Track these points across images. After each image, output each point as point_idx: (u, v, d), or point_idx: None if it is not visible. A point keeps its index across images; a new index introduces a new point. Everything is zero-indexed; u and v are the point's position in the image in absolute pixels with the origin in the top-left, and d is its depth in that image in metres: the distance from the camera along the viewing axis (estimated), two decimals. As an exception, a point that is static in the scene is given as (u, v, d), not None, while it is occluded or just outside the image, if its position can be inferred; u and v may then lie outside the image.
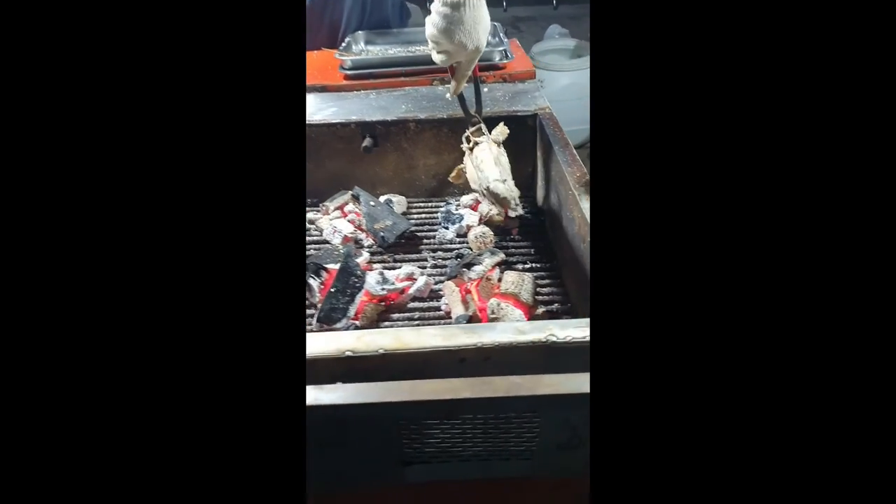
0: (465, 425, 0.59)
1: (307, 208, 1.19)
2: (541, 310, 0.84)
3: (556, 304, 0.89)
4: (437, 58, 0.86)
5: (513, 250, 1.04)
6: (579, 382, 0.53)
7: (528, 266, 0.99)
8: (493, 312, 0.80)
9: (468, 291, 0.86)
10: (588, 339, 0.58)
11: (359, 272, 0.88)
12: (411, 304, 0.92)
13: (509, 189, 0.91)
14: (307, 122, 1.15)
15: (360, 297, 0.87)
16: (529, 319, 0.83)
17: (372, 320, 0.87)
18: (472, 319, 0.81)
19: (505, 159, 0.98)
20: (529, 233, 1.09)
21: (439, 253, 1.05)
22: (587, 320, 0.60)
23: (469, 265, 0.88)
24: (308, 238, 1.10)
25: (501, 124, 1.02)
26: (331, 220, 1.11)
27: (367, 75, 1.33)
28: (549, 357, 0.59)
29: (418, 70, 1.32)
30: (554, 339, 0.58)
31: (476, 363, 0.59)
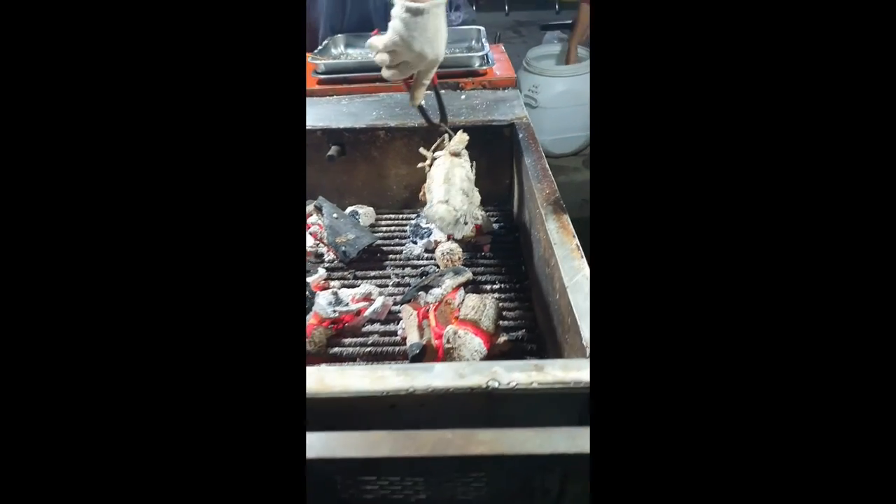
0: (398, 477, 0.52)
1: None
2: (503, 338, 0.78)
3: (523, 332, 0.82)
4: (387, 73, 0.78)
5: (482, 268, 0.97)
6: (519, 439, 0.46)
7: (496, 287, 0.92)
8: (448, 341, 0.74)
9: (425, 316, 0.79)
10: (534, 384, 0.51)
11: (307, 292, 0.82)
12: (368, 328, 0.85)
13: (450, 210, 0.83)
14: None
15: (308, 321, 0.81)
16: (490, 348, 0.77)
17: (321, 346, 0.80)
18: (426, 348, 0.75)
19: (461, 172, 0.91)
20: (502, 249, 1.02)
21: (407, 269, 0.98)
22: (535, 362, 0.53)
23: (427, 287, 0.81)
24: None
25: (460, 132, 0.95)
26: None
27: (340, 80, 1.27)
28: (492, 404, 0.53)
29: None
30: (496, 384, 0.51)
31: (410, 410, 0.53)
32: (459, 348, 0.74)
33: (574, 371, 0.52)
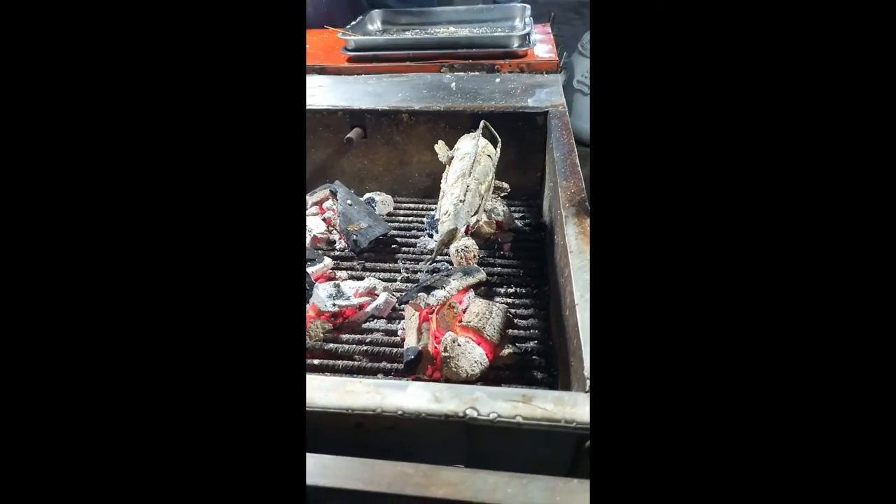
0: None
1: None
2: (507, 350, 0.71)
3: (534, 343, 0.74)
4: None
5: (499, 269, 0.89)
6: (489, 485, 0.39)
7: (511, 291, 0.84)
8: (446, 349, 0.67)
9: (427, 319, 0.73)
10: (518, 418, 0.44)
11: (305, 283, 0.77)
12: (369, 325, 0.80)
13: (454, 215, 0.76)
14: (292, 107, 1.05)
15: (306, 312, 0.76)
16: (492, 360, 0.70)
17: (317, 340, 0.76)
18: (422, 354, 0.69)
19: (479, 168, 0.83)
20: (525, 249, 0.94)
21: (421, 265, 0.92)
22: (524, 391, 0.46)
23: (429, 288, 0.74)
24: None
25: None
26: (308, 215, 1.00)
27: (370, 58, 1.21)
28: (472, 435, 0.46)
29: (426, 55, 1.19)
30: (474, 414, 0.45)
31: (377, 432, 0.47)
32: (458, 357, 0.67)
33: (569, 406, 0.45)
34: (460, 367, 0.67)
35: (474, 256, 0.90)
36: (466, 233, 0.94)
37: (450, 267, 0.90)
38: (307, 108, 1.04)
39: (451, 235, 0.77)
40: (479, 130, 0.96)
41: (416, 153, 1.07)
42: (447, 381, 0.68)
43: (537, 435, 0.45)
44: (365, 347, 0.75)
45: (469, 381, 0.68)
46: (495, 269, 0.89)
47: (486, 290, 0.85)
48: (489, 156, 0.88)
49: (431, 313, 0.74)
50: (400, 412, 0.46)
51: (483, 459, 0.46)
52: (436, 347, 0.69)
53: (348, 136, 1.00)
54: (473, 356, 0.68)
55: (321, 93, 1.11)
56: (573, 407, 0.45)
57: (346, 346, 0.75)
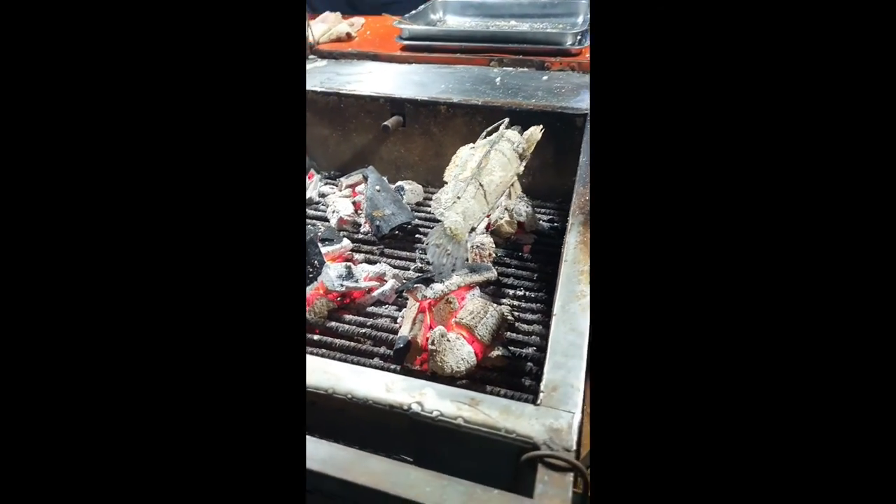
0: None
1: (326, 181, 1.14)
2: (497, 352, 0.70)
3: (530, 349, 0.73)
4: None
5: (513, 270, 0.88)
6: (409, 480, 0.40)
7: (519, 294, 0.83)
8: (433, 343, 0.68)
9: (424, 310, 0.74)
10: (459, 420, 0.44)
11: (316, 261, 0.81)
12: (373, 309, 0.82)
13: (456, 223, 0.74)
14: (338, 92, 1.09)
15: (313, 288, 0.79)
16: (481, 360, 0.69)
17: (321, 316, 0.79)
18: (411, 345, 0.70)
19: (498, 165, 0.82)
20: (545, 253, 0.92)
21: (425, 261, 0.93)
22: (473, 395, 0.46)
23: (429, 281, 0.75)
24: (316, 213, 1.05)
25: (535, 127, 0.86)
26: (339, 197, 1.04)
27: (423, 47, 1.22)
28: (419, 432, 0.47)
29: (476, 48, 1.18)
30: (418, 409, 0.45)
31: (329, 412, 0.49)
32: (444, 352, 0.67)
33: (513, 417, 0.44)
34: (445, 361, 0.67)
35: (489, 255, 0.89)
36: (487, 229, 0.93)
37: (465, 261, 0.90)
38: (351, 93, 1.08)
39: (452, 235, 0.76)
40: (502, 128, 0.94)
41: (451, 145, 1.07)
42: (433, 374, 0.69)
43: (478, 440, 0.44)
44: (365, 330, 0.77)
45: (454, 377, 0.68)
46: (509, 269, 0.88)
47: (494, 290, 0.84)
48: (513, 152, 0.86)
49: (434, 306, 0.75)
50: (350, 396, 0.47)
51: (431, 458, 0.47)
52: (426, 339, 0.70)
53: (385, 123, 1.02)
54: (461, 353, 0.68)
55: (369, 79, 1.14)
56: (518, 418, 0.44)
57: (348, 327, 0.78)
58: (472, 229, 0.76)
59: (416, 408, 0.45)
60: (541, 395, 0.46)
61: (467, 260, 0.89)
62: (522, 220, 0.93)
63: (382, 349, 0.74)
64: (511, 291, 0.84)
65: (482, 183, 0.78)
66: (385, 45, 1.26)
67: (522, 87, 1.06)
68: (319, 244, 0.86)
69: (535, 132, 0.89)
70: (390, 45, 1.26)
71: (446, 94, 1.04)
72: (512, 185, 0.90)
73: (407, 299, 0.82)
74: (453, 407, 0.45)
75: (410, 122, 1.07)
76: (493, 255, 0.89)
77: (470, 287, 0.79)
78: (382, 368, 0.71)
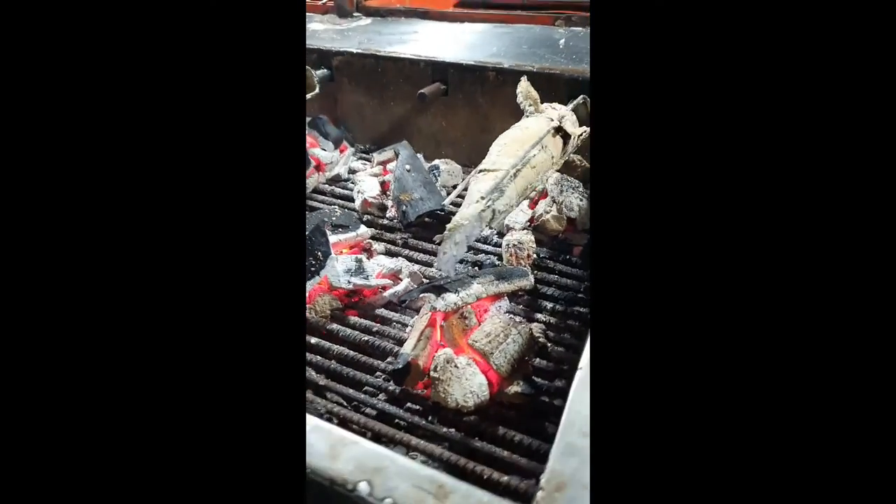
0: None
1: (361, 156, 1.03)
2: (515, 388, 0.56)
3: (559, 382, 0.58)
4: None
5: (556, 277, 0.73)
6: None
7: (556, 308, 0.68)
8: (436, 370, 0.55)
9: (433, 325, 0.61)
10: None
11: (320, 252, 0.70)
12: (383, 311, 0.70)
13: (462, 217, 0.57)
14: (376, 54, 0.95)
15: (315, 283, 0.69)
16: (495, 394, 0.56)
17: (322, 316, 0.69)
18: (410, 366, 0.57)
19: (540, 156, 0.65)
20: (599, 258, 0.75)
21: (468, 254, 0.79)
22: (443, 480, 0.33)
23: (440, 289, 0.61)
24: (342, 191, 0.94)
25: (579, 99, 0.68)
26: (368, 175, 0.93)
27: (480, 3, 1.05)
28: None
29: (541, 3, 0.99)
30: (364, 491, 0.33)
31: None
32: (449, 382, 0.55)
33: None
34: (449, 393, 0.55)
35: (528, 256, 0.74)
36: (530, 223, 0.78)
37: (497, 263, 0.75)
38: (389, 55, 0.94)
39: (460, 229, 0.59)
40: (572, 105, 0.77)
41: (499, 120, 0.91)
42: (435, 404, 0.57)
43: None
44: (368, 338, 0.66)
45: (460, 411, 0.55)
46: (551, 276, 0.73)
47: (529, 301, 0.69)
48: (562, 138, 0.69)
49: (446, 320, 0.62)
50: (284, 458, 0.36)
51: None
52: (431, 361, 0.58)
53: (422, 91, 0.88)
54: (470, 384, 0.55)
55: (413, 39, 1.00)
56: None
57: (350, 332, 0.67)
58: (490, 222, 0.60)
59: (363, 489, 0.33)
60: (538, 495, 0.32)
61: (492, 264, 0.75)
62: (574, 215, 0.77)
63: (386, 363, 0.63)
64: (549, 305, 0.68)
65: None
66: (438, 0, 1.11)
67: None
68: (330, 231, 0.75)
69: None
70: (443, 0, 1.11)
71: (497, 58, 0.88)
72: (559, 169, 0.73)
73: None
74: (413, 495, 0.33)
75: (454, 90, 0.92)
76: (533, 256, 0.74)
77: (496, 297, 0.65)
78: (380, 390, 0.60)
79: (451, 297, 0.60)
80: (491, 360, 0.56)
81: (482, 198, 0.58)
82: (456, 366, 0.56)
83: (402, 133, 1.00)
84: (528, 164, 0.64)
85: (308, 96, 0.94)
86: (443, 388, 0.55)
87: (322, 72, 0.99)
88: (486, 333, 0.58)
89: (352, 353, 0.65)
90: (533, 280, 0.69)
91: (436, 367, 0.55)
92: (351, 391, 0.60)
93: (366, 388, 0.61)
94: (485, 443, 0.53)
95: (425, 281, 0.72)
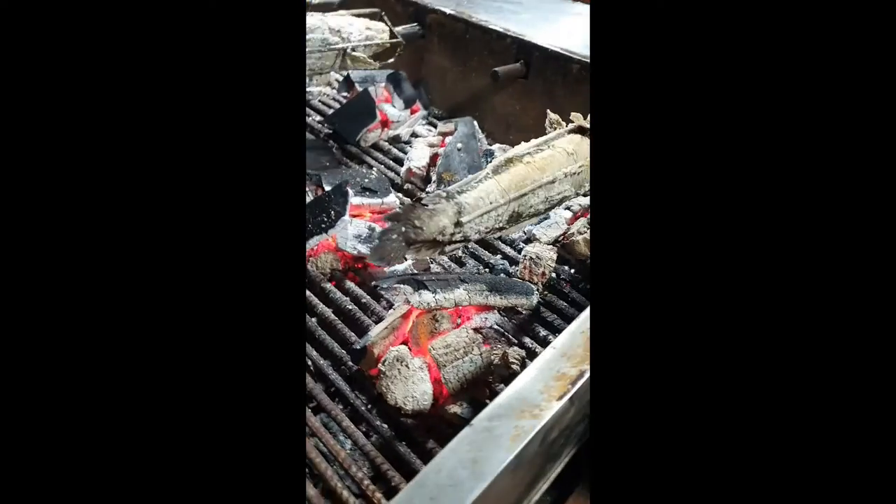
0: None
1: (430, 121, 1.00)
2: (455, 408, 0.53)
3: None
4: None
5: (565, 306, 0.66)
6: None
7: (550, 339, 0.62)
8: (385, 364, 0.54)
9: (406, 318, 0.59)
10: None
11: (333, 211, 0.70)
12: (386, 286, 0.69)
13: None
14: (467, 19, 0.90)
15: (320, 239, 0.70)
16: (438, 408, 0.53)
17: (322, 272, 0.70)
18: (366, 351, 0.56)
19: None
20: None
21: (497, 257, 0.74)
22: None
23: (419, 283, 0.58)
24: (398, 154, 0.92)
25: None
26: (424, 144, 0.90)
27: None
28: None
29: None
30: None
31: None
32: (393, 380, 0.53)
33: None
34: (391, 391, 0.53)
35: (543, 274, 0.68)
36: (561, 241, 0.71)
37: (511, 272, 0.70)
38: (479, 23, 0.88)
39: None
40: None
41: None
42: (380, 395, 0.56)
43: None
44: (353, 308, 0.66)
45: (398, 412, 0.54)
46: (561, 302, 0.67)
47: (524, 321, 0.64)
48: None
49: (420, 317, 0.60)
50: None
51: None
52: (387, 344, 0.56)
53: (496, 69, 0.82)
54: (414, 390, 0.53)
55: (513, 11, 0.92)
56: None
57: (340, 296, 0.67)
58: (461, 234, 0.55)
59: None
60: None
61: (504, 270, 0.70)
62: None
63: (356, 340, 0.62)
64: (544, 333, 0.63)
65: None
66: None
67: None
68: (356, 193, 0.74)
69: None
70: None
71: (587, 50, 0.79)
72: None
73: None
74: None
75: (534, 74, 0.84)
76: (549, 275, 0.68)
77: (485, 308, 0.61)
78: (341, 363, 0.60)
79: (426, 296, 0.57)
80: (443, 374, 0.53)
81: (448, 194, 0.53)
82: (406, 366, 0.54)
83: (476, 107, 0.95)
84: (521, 161, 0.57)
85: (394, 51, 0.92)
86: (386, 384, 0.53)
87: (412, 27, 0.96)
88: (446, 344, 0.55)
89: (333, 317, 0.65)
90: (536, 301, 0.64)
91: (385, 361, 0.54)
92: (315, 354, 0.61)
93: (330, 356, 0.61)
94: (409, 450, 0.52)
95: (423, 271, 0.69)
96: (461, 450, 0.33)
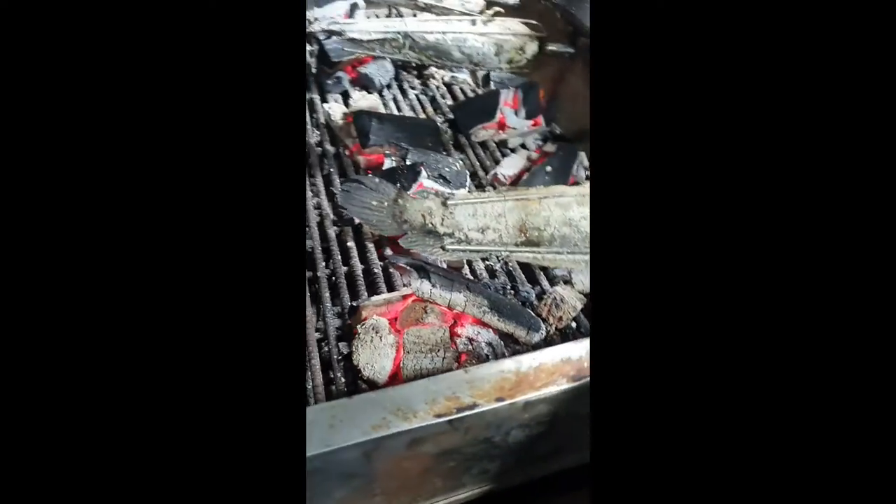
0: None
1: (545, 135, 0.99)
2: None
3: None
4: None
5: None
6: None
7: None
8: (361, 326, 0.57)
9: (406, 299, 0.62)
10: None
11: (400, 184, 0.74)
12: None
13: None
14: None
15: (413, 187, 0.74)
16: (389, 380, 0.56)
17: (371, 232, 0.75)
18: (355, 310, 0.61)
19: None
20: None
21: (522, 281, 0.74)
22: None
23: (425, 271, 0.60)
24: (500, 158, 0.94)
25: None
26: (520, 156, 0.90)
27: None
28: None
29: None
30: None
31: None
32: (363, 344, 0.57)
33: None
34: (357, 353, 0.57)
35: (561, 319, 0.66)
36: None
37: (534, 302, 0.69)
38: None
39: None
40: None
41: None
42: (350, 353, 0.60)
43: None
44: (377, 272, 0.71)
45: (357, 373, 0.58)
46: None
47: (516, 353, 0.63)
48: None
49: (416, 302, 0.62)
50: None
51: None
52: (365, 318, 0.60)
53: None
54: (375, 360, 0.56)
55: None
56: None
57: (375, 261, 0.72)
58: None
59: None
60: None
61: (526, 300, 0.69)
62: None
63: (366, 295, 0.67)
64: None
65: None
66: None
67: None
68: (430, 177, 0.78)
69: None
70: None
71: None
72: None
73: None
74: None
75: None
76: (567, 322, 0.66)
77: (479, 322, 0.61)
78: (341, 317, 0.65)
79: (425, 286, 0.60)
80: (403, 358, 0.56)
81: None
82: (380, 337, 0.57)
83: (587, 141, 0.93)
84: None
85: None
86: (356, 345, 0.58)
87: (565, 47, 0.96)
88: (419, 335, 0.57)
89: (359, 274, 0.71)
90: (538, 338, 0.62)
91: (363, 325, 0.58)
92: (328, 305, 0.67)
93: (338, 307, 0.67)
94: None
95: (447, 268, 0.71)
96: (328, 411, 0.36)
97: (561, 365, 0.42)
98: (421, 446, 0.38)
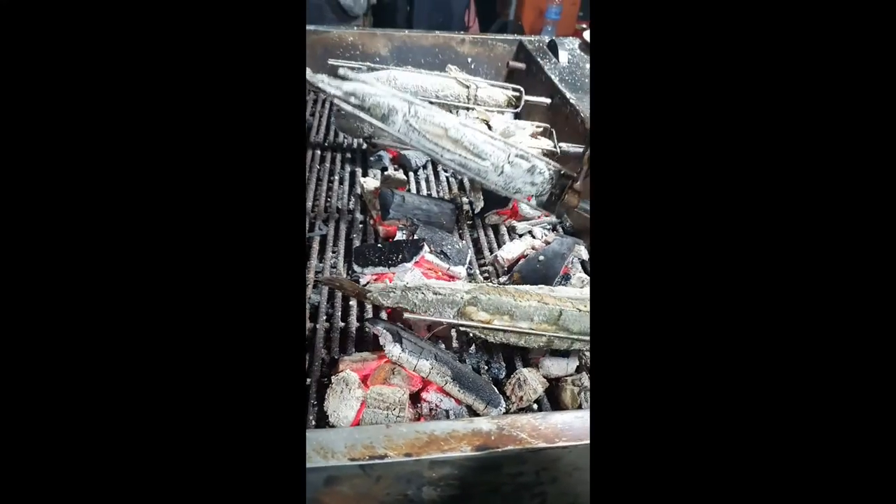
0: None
1: (554, 227, 1.07)
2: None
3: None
4: None
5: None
6: None
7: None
8: (335, 378, 0.66)
9: (381, 358, 0.70)
10: None
11: (402, 255, 0.84)
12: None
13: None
14: None
15: (382, 271, 0.85)
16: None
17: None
18: (337, 363, 0.69)
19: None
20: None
21: (496, 358, 0.79)
22: None
23: (396, 335, 0.68)
24: (506, 239, 1.03)
25: None
26: (526, 244, 0.98)
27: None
28: None
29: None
30: None
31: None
32: (333, 394, 0.65)
33: None
34: (327, 400, 0.65)
35: (522, 399, 0.71)
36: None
37: (500, 376, 0.74)
38: None
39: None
40: None
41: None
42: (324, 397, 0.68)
43: None
44: (369, 328, 0.79)
45: (325, 416, 0.65)
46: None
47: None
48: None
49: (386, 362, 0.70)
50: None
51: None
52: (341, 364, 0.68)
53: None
54: (340, 410, 0.64)
55: None
56: None
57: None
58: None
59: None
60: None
61: (496, 374, 0.74)
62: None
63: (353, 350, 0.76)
64: (482, 442, 0.66)
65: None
66: None
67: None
68: (428, 251, 0.87)
69: None
70: None
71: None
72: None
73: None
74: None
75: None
76: (528, 401, 0.70)
77: (442, 390, 0.68)
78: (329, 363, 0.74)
79: (396, 349, 0.67)
80: (364, 412, 0.63)
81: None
82: (349, 390, 0.65)
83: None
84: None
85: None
86: (328, 393, 0.65)
87: (577, 146, 1.06)
88: (380, 393, 0.64)
89: (355, 327, 0.80)
90: (497, 414, 0.67)
91: (336, 375, 0.66)
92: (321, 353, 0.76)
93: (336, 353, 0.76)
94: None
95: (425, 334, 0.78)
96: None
97: (471, 435, 0.47)
98: (337, 485, 0.44)
